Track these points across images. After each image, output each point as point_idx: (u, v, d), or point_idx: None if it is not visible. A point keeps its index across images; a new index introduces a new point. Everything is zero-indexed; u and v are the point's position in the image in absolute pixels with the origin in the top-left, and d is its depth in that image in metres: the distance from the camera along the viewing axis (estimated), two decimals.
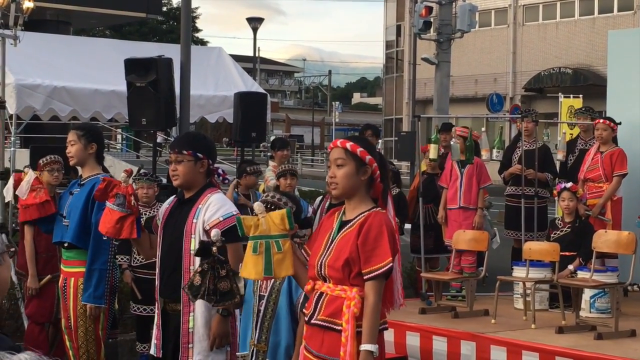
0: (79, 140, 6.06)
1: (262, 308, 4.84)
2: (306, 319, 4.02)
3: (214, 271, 4.46)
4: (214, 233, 4.51)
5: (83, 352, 6.06)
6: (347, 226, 3.94)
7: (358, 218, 3.93)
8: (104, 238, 5.72)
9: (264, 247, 3.97)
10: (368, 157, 3.94)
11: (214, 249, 4.44)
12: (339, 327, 3.84)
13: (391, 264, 3.83)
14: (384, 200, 4.02)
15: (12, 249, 2.76)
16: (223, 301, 4.53)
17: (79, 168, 6.38)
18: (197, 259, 4.84)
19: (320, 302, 3.93)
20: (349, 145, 3.94)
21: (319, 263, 3.94)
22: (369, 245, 3.84)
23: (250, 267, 4.00)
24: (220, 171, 5.28)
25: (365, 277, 3.84)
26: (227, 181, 5.48)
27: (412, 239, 10.42)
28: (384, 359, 4.01)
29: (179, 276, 4.96)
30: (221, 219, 4.92)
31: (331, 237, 3.97)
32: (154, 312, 5.26)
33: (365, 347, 3.78)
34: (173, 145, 5.16)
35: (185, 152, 5.00)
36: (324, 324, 3.91)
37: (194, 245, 4.91)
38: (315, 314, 3.94)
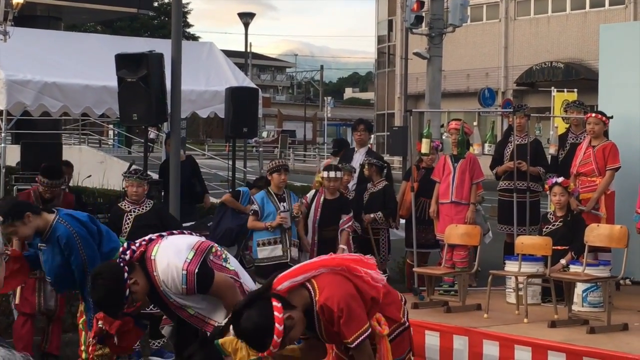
0: (13, 224, 5.70)
1: None
2: None
3: None
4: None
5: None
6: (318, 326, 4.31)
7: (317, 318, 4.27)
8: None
9: None
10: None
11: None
12: None
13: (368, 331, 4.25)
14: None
15: (8, 252, 2.74)
16: None
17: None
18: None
19: None
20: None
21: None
22: (341, 324, 4.21)
23: None
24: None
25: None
26: None
27: (409, 233, 10.28)
28: (403, 352, 4.46)
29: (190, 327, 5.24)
30: (184, 286, 4.98)
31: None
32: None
33: None
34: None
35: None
36: None
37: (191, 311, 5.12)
38: None
